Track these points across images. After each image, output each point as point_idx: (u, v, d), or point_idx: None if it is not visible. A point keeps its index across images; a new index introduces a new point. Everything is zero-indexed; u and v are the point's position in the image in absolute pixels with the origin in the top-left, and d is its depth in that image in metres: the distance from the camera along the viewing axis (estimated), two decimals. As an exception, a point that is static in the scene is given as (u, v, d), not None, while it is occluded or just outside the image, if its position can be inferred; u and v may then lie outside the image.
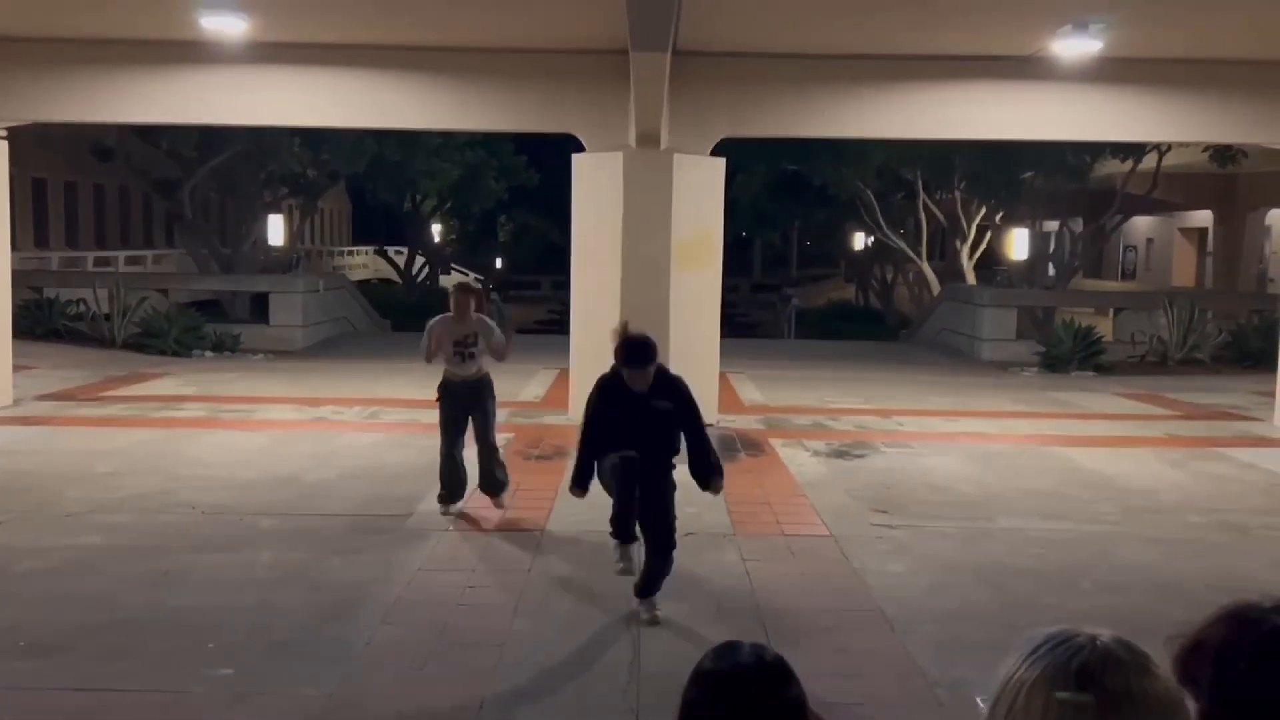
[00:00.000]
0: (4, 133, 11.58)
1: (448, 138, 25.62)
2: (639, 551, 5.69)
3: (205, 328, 17.79)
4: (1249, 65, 10.93)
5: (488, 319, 7.43)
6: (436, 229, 37.82)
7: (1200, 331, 17.50)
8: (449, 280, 38.34)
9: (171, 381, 14.06)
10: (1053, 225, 28.85)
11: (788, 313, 28.41)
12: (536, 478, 8.71)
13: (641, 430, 5.46)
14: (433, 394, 7.54)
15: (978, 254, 26.22)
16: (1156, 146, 20.90)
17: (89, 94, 11.37)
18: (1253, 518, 8.02)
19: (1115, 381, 15.61)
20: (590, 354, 9.56)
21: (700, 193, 11.16)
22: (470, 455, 7.54)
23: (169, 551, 6.65)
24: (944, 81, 11.23)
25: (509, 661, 5.07)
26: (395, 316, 24.91)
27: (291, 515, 7.57)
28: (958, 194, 25.33)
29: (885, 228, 27.08)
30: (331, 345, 19.45)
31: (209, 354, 17.16)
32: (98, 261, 25.50)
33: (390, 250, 37.45)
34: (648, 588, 5.59)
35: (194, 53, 10.76)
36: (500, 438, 9.97)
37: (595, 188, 11.09)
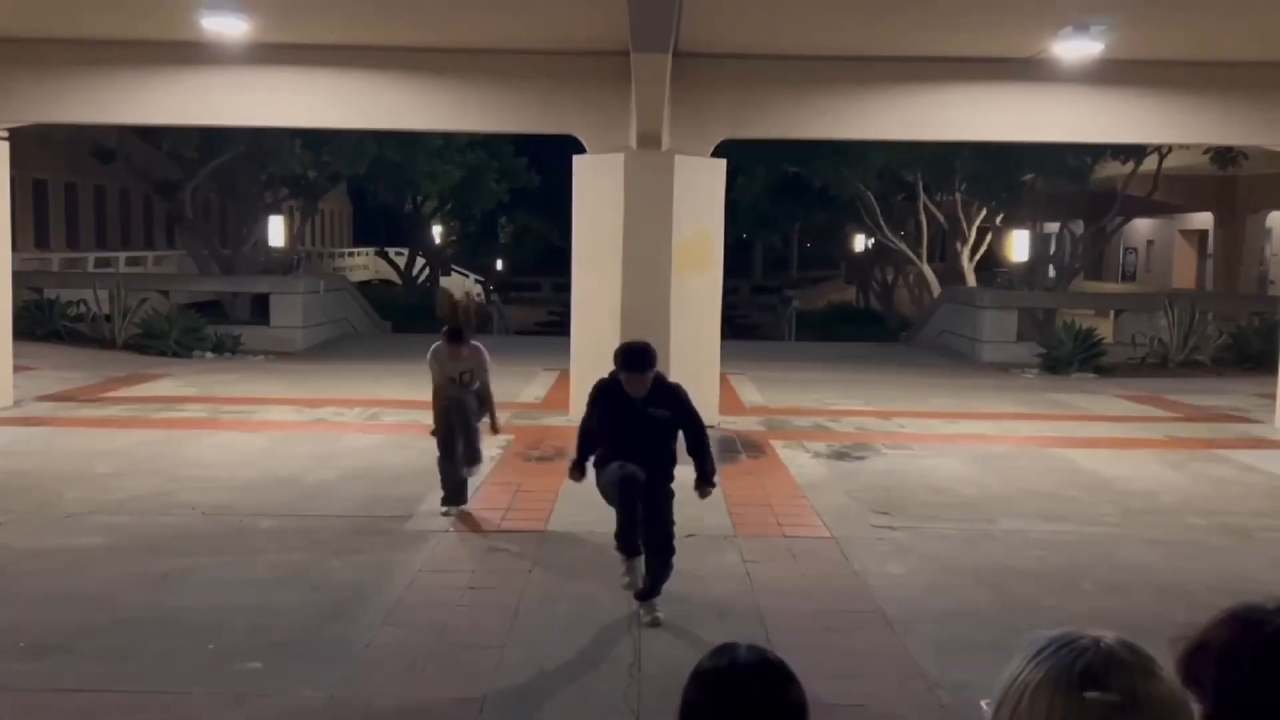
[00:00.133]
0: (5, 133, 11.59)
1: (449, 139, 25.63)
2: (643, 564, 5.69)
3: (206, 329, 17.79)
4: (1250, 67, 10.93)
5: (482, 350, 7.45)
6: (437, 230, 37.80)
7: (1201, 333, 17.50)
8: (450, 282, 38.40)
9: (172, 382, 14.06)
10: (1053, 227, 28.86)
11: (788, 314, 28.38)
12: (537, 479, 8.70)
13: (640, 437, 5.46)
14: (431, 395, 7.57)
15: (978, 256, 26.23)
16: (1157, 148, 20.90)
17: (90, 95, 11.38)
18: (1253, 520, 8.01)
19: (1116, 383, 15.60)
20: (591, 355, 9.57)
21: (701, 194, 11.15)
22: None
23: (169, 552, 6.65)
24: (945, 83, 11.22)
25: (509, 662, 5.07)
26: (396, 318, 24.92)
27: (292, 516, 7.56)
28: (958, 196, 25.33)
29: (886, 229, 27.09)
30: (332, 346, 19.45)
31: (209, 355, 17.16)
32: (98, 262, 25.50)
33: (391, 252, 37.45)
34: (649, 591, 5.60)
35: (195, 54, 10.76)
36: (501, 439, 10.01)
37: (596, 189, 11.08)
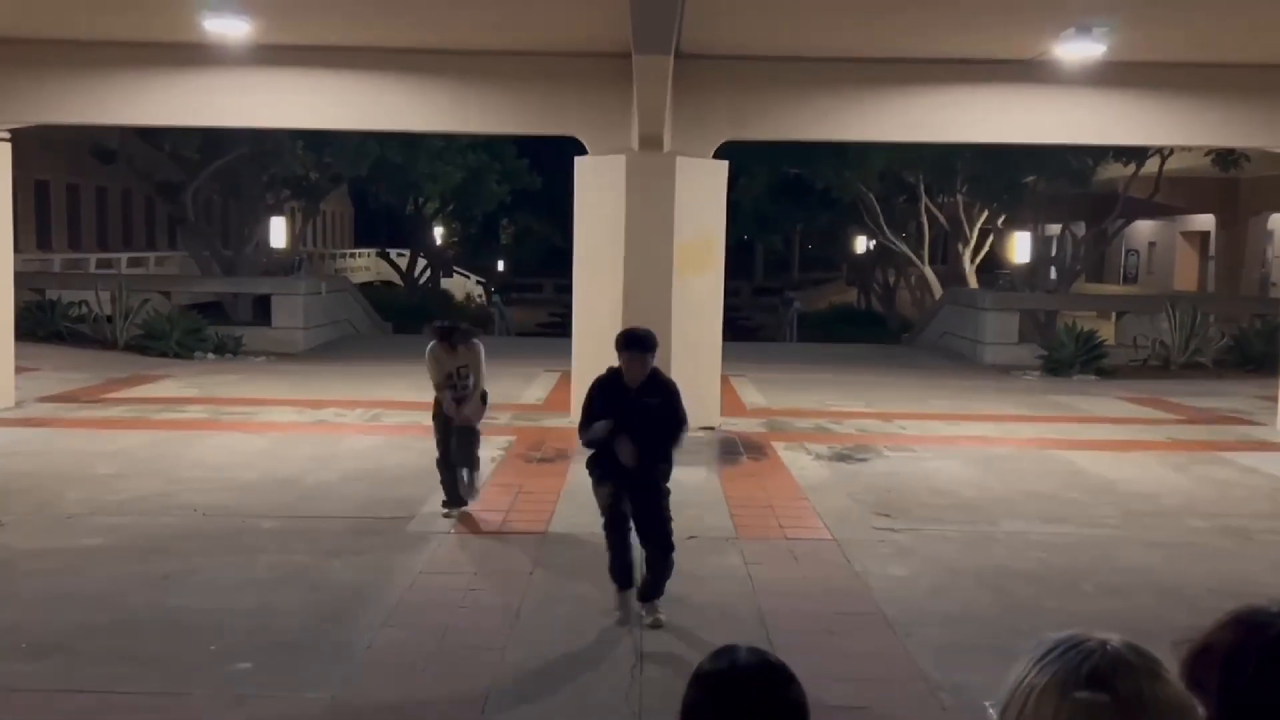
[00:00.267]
0: (7, 134, 11.60)
1: (450, 140, 25.62)
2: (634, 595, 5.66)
3: (207, 330, 17.79)
4: (1252, 69, 10.93)
5: (479, 346, 7.43)
6: (439, 231, 37.83)
7: (1202, 335, 17.48)
8: (451, 283, 38.41)
9: (173, 383, 14.06)
10: (1055, 229, 28.84)
11: (789, 316, 28.38)
12: (538, 480, 8.70)
13: (636, 429, 5.43)
14: (432, 396, 7.58)
15: (980, 257, 26.22)
16: (1159, 150, 20.89)
17: (92, 96, 11.39)
18: (1255, 522, 8.00)
19: (1117, 385, 15.59)
20: (592, 356, 9.55)
21: (702, 196, 11.15)
22: None
23: (170, 553, 6.65)
24: (947, 85, 11.23)
25: (511, 664, 5.06)
26: (397, 319, 24.92)
27: (292, 517, 7.56)
28: (960, 197, 25.33)
29: (887, 231, 27.08)
30: (333, 348, 19.46)
31: (211, 356, 17.16)
32: (100, 263, 25.53)
33: (392, 253, 37.47)
34: (650, 592, 5.60)
35: (197, 55, 10.77)
36: (502, 440, 10.02)
37: (597, 191, 11.09)
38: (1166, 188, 23.58)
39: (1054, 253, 28.65)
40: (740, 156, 17.73)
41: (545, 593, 6.11)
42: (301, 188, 26.06)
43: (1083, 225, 26.56)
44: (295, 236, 29.17)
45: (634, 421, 5.43)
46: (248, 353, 17.70)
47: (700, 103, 10.96)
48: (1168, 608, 5.92)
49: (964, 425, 11.89)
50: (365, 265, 42.72)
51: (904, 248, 27.66)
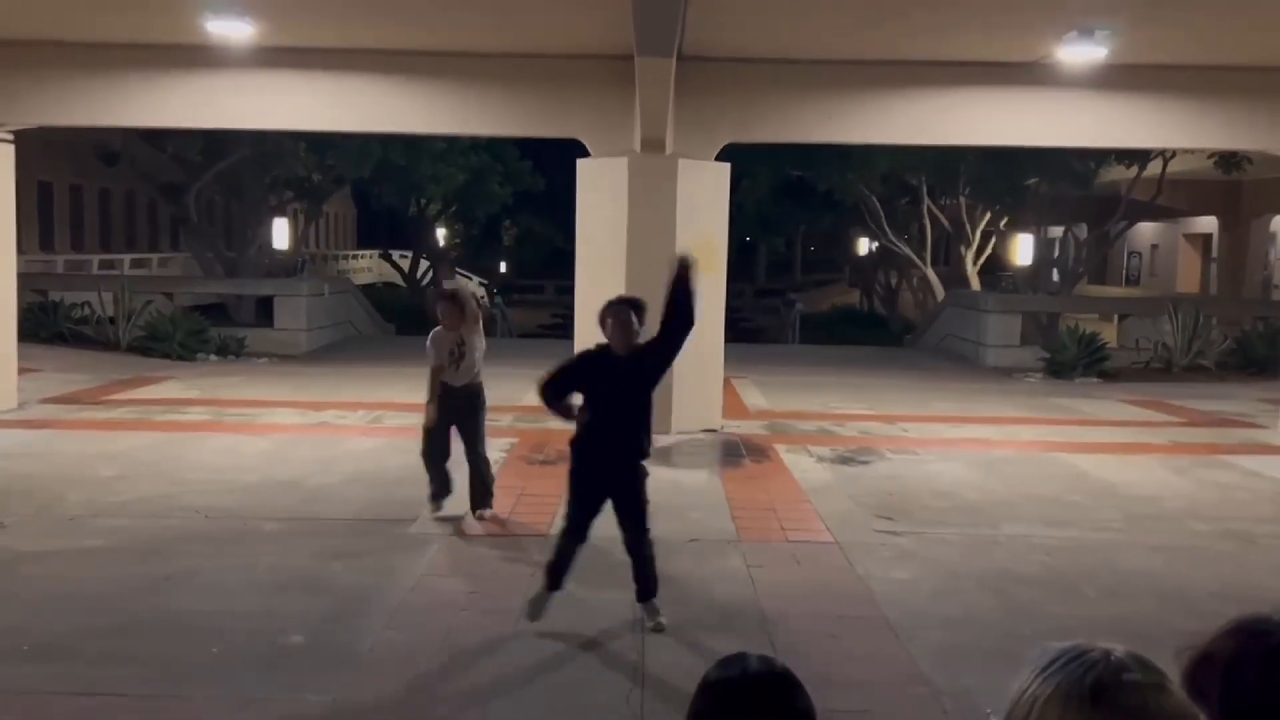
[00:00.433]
0: (9, 136, 11.62)
1: (452, 142, 25.63)
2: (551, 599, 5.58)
3: (210, 331, 17.81)
4: (1255, 71, 10.93)
5: (476, 312, 7.46)
6: (441, 233, 37.84)
7: (1205, 338, 17.46)
8: (453, 285, 38.44)
9: (175, 385, 14.08)
10: (1057, 231, 28.83)
11: (792, 318, 28.38)
12: (540, 482, 8.70)
13: (622, 400, 5.35)
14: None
15: (982, 259, 26.21)
16: (1161, 153, 20.88)
17: (94, 98, 11.40)
18: (1258, 526, 7.99)
19: (1120, 388, 15.58)
20: (594, 359, 9.55)
21: (705, 198, 11.16)
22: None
23: (172, 555, 6.65)
24: (949, 87, 11.22)
25: (513, 667, 5.06)
26: (399, 320, 24.92)
27: (294, 519, 7.57)
28: (962, 199, 25.32)
29: (890, 233, 27.07)
30: (336, 349, 19.47)
31: (213, 357, 17.17)
32: (103, 265, 25.57)
33: (395, 254, 37.49)
34: (643, 589, 5.55)
35: (199, 57, 10.78)
36: (504, 442, 10.02)
37: (600, 192, 11.10)
38: (1169, 190, 23.57)
39: (1056, 255, 28.65)
40: (743, 158, 17.75)
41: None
42: (304, 189, 26.08)
43: (1085, 227, 26.54)
44: (298, 238, 29.18)
45: (620, 393, 5.35)
46: (250, 354, 17.71)
47: (703, 105, 10.97)
48: (1170, 612, 5.91)
49: (966, 428, 11.89)
50: (368, 266, 42.77)
51: (906, 249, 27.66)
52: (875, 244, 31.80)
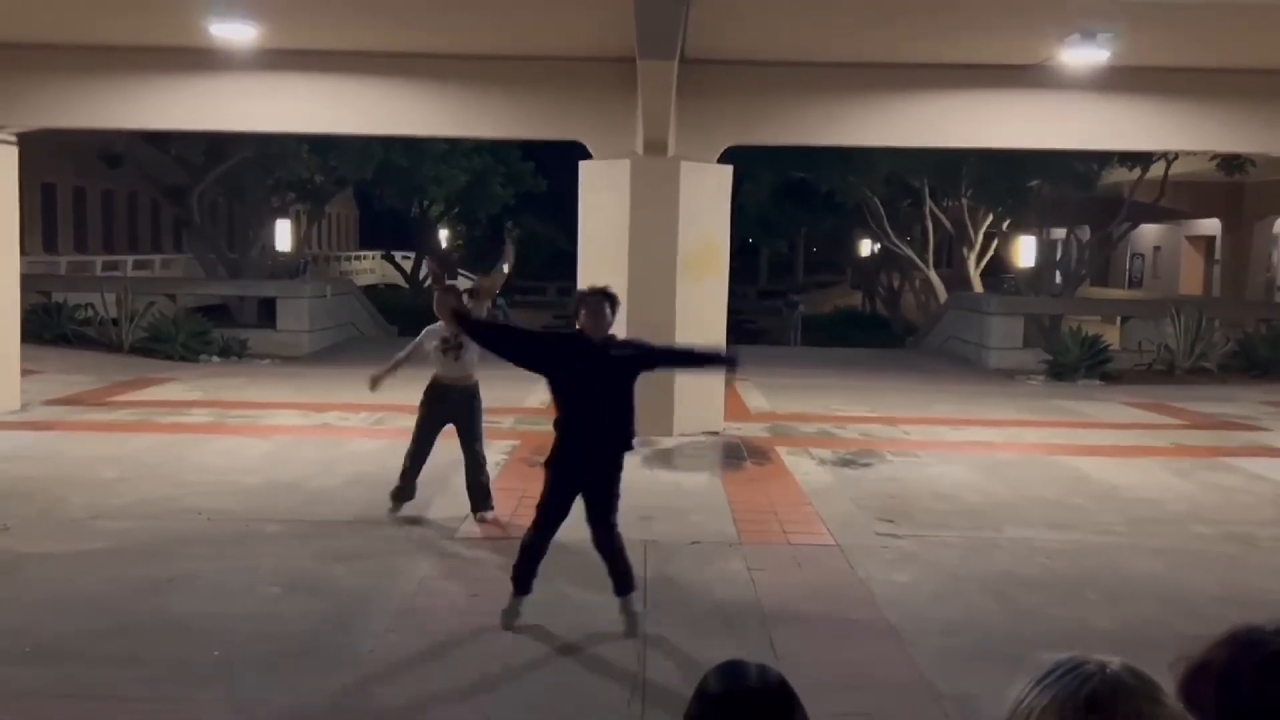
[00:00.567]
0: (13, 138, 11.64)
1: (455, 144, 25.64)
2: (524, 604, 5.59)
3: (212, 333, 17.83)
4: (1257, 74, 10.92)
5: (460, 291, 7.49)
6: (444, 234, 37.86)
7: (1208, 340, 17.44)
8: (457, 287, 38.42)
9: (178, 386, 14.09)
10: (1060, 233, 28.81)
11: (794, 319, 28.37)
12: (541, 485, 8.68)
13: (600, 390, 5.32)
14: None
15: (984, 261, 26.18)
16: (1164, 155, 20.87)
17: (98, 100, 11.43)
18: (1260, 529, 7.98)
19: (1122, 390, 15.56)
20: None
21: (707, 200, 11.17)
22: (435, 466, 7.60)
23: (174, 557, 6.66)
24: (952, 90, 11.23)
25: (514, 671, 5.07)
26: (402, 322, 24.93)
27: (296, 521, 7.57)
28: (965, 201, 25.30)
29: (892, 235, 27.05)
30: (338, 350, 19.48)
31: (216, 359, 17.19)
32: (106, 266, 25.59)
33: (397, 255, 37.50)
34: (619, 584, 5.52)
35: (203, 60, 10.80)
36: (506, 444, 10.03)
37: (602, 194, 11.11)
38: (1171, 192, 23.54)
39: (1059, 257, 28.64)
40: (744, 160, 17.72)
41: (548, 598, 6.10)
42: (306, 191, 26.11)
43: (1087, 229, 26.52)
44: (300, 239, 29.22)
45: (599, 382, 5.32)
46: (253, 355, 17.72)
47: (705, 107, 10.98)
48: (1172, 615, 5.90)
49: (968, 430, 11.89)
50: (370, 268, 42.78)
51: (908, 251, 27.64)
52: (877, 246, 31.78)
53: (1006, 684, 1.29)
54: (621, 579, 5.53)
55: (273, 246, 25.93)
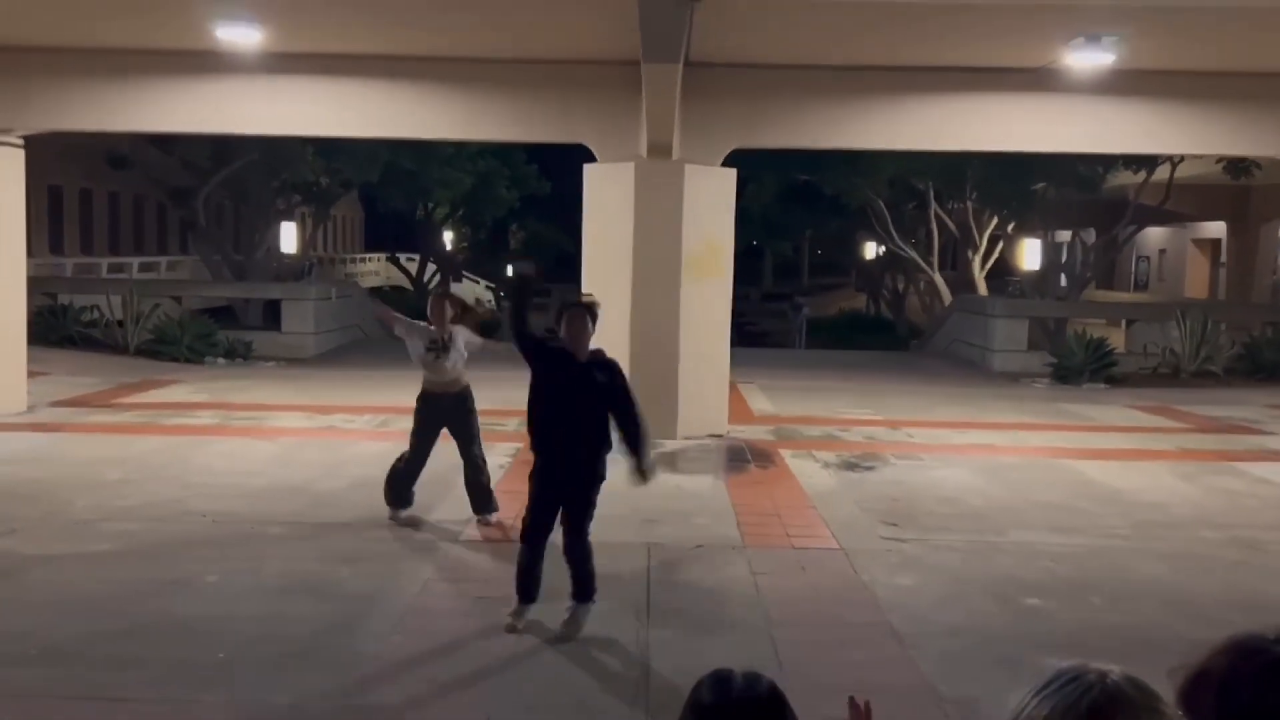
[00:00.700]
0: (20, 141, 11.68)
1: (460, 147, 25.68)
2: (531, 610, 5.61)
3: (218, 334, 17.87)
4: (1262, 77, 10.91)
5: (465, 330, 7.52)
6: (448, 236, 37.90)
7: (1213, 343, 17.41)
8: (461, 288, 38.47)
9: (184, 388, 14.12)
10: (1065, 235, 28.76)
11: (798, 322, 28.38)
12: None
13: (580, 401, 5.38)
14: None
15: (989, 264, 26.16)
16: (1169, 157, 20.84)
17: (104, 103, 11.46)
18: (1266, 533, 7.97)
19: (1127, 393, 15.54)
20: (600, 364, 9.58)
21: (711, 203, 11.18)
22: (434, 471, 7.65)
23: (179, 559, 6.68)
24: (956, 93, 11.23)
25: (517, 673, 5.07)
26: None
27: (301, 524, 7.59)
28: (969, 204, 25.29)
29: (897, 237, 27.05)
30: (343, 353, 19.51)
31: (221, 361, 17.23)
32: (112, 268, 25.63)
33: (402, 257, 37.55)
34: (578, 590, 5.53)
35: (209, 63, 10.83)
36: (510, 447, 10.03)
37: (606, 197, 11.12)
38: (1177, 195, 23.50)
39: (1064, 259, 28.59)
40: (749, 163, 17.72)
41: (552, 601, 6.11)
42: (312, 193, 26.15)
43: (1093, 232, 26.49)
44: (305, 241, 29.30)
45: (579, 395, 5.39)
46: (258, 358, 17.76)
47: (709, 111, 10.99)
48: (1177, 620, 5.90)
49: (972, 433, 11.88)
50: (375, 270, 42.83)
51: (913, 254, 27.63)
52: (882, 248, 31.78)
53: (1009, 688, 1.30)
54: (581, 587, 5.55)
55: (278, 249, 25.97)
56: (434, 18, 10.01)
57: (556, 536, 5.61)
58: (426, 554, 6.96)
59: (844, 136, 12.04)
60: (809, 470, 9.74)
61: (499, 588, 6.35)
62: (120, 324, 17.83)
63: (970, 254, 26.11)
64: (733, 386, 12.33)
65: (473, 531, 7.46)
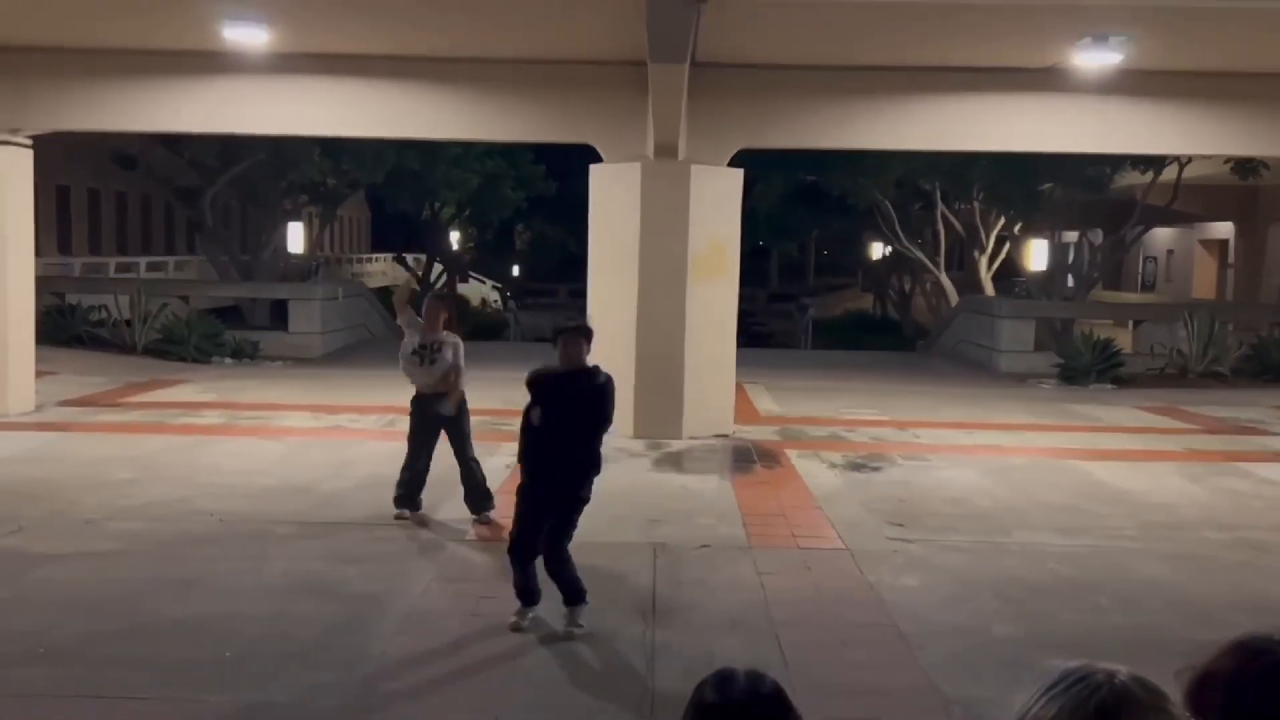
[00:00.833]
0: (28, 141, 11.72)
1: (467, 147, 25.69)
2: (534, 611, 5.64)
3: (225, 334, 17.91)
4: (1270, 77, 10.88)
5: (456, 337, 7.55)
6: (455, 237, 37.93)
7: (1221, 344, 17.35)
8: (467, 288, 38.51)
9: (191, 388, 14.16)
10: (1072, 236, 28.69)
11: (804, 322, 28.33)
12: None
13: (565, 423, 5.42)
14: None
15: (996, 265, 26.11)
16: (1177, 158, 20.78)
17: (112, 103, 11.49)
18: (1272, 535, 7.95)
19: (1134, 394, 15.50)
20: (606, 361, 9.57)
21: (717, 203, 11.17)
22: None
23: (186, 559, 6.70)
24: (962, 93, 11.21)
25: (523, 674, 5.08)
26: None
27: (307, 524, 7.60)
28: (976, 205, 25.24)
29: (903, 238, 27.00)
30: (350, 352, 19.54)
31: (228, 361, 17.27)
32: (119, 268, 25.70)
33: (409, 258, 37.60)
34: (566, 597, 5.56)
35: (216, 63, 10.86)
36: (514, 446, 10.03)
37: (612, 198, 11.12)
38: (1185, 195, 23.43)
39: (1071, 260, 28.52)
40: (755, 163, 17.70)
41: (558, 602, 6.11)
42: (319, 193, 26.18)
43: (1100, 232, 26.41)
44: (312, 241, 29.30)
45: (568, 415, 5.44)
46: (265, 357, 17.80)
47: (716, 111, 10.98)
48: (1182, 621, 5.88)
49: (979, 434, 11.86)
50: (382, 270, 42.86)
51: (920, 254, 27.58)
52: (888, 249, 31.72)
53: (1014, 688, 1.29)
54: (569, 593, 5.57)
55: (285, 249, 26.00)
56: (441, 18, 10.02)
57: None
58: (432, 554, 6.97)
59: (850, 137, 12.03)
60: (815, 470, 9.73)
61: (503, 587, 6.35)
62: (128, 324, 17.88)
63: (977, 254, 26.06)
64: (738, 387, 12.32)
65: (478, 532, 7.46)
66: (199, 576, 6.37)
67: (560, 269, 41.15)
